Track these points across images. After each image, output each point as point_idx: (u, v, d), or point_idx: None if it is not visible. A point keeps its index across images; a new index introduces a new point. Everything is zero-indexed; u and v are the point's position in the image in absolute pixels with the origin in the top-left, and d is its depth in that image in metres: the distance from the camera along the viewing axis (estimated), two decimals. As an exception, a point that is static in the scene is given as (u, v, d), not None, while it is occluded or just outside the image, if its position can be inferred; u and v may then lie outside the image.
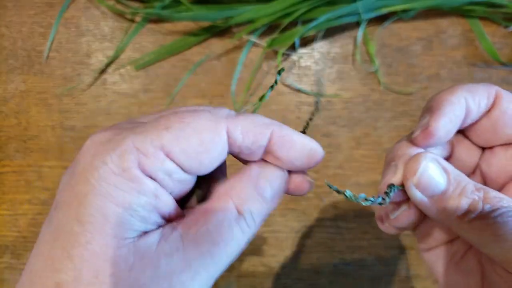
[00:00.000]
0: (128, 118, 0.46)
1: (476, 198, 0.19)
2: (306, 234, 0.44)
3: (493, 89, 0.22)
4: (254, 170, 0.20)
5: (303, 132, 0.22)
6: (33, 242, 0.45)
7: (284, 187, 0.21)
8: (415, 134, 0.22)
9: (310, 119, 0.25)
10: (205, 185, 0.22)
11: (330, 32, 0.46)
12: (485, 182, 0.24)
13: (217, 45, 0.47)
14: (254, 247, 0.44)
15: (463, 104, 0.21)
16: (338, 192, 0.20)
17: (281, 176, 0.20)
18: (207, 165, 0.19)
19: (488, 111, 0.22)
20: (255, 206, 0.19)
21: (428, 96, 0.43)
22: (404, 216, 0.22)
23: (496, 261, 0.20)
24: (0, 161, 0.46)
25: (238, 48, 0.47)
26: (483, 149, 0.24)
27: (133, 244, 0.17)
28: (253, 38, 0.45)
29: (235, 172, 0.20)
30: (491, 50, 0.45)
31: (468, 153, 0.24)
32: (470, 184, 0.20)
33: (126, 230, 0.17)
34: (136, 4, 0.48)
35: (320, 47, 0.47)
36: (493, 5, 0.44)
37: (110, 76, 0.47)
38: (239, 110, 0.45)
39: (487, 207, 0.19)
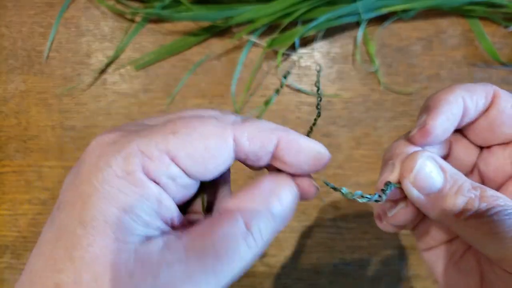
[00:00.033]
0: (128, 118, 0.46)
1: (473, 196, 0.19)
2: (306, 234, 0.44)
3: (491, 89, 0.22)
4: (265, 185, 0.20)
5: (308, 134, 0.22)
6: (33, 242, 0.45)
7: (295, 205, 0.20)
8: (412, 133, 0.22)
9: (314, 124, 0.25)
10: (207, 190, 0.22)
11: (330, 32, 0.46)
12: (483, 181, 0.24)
13: (217, 45, 0.47)
14: (254, 247, 0.44)
15: (460, 103, 0.21)
16: (335, 189, 0.20)
17: (293, 194, 0.20)
18: (212, 171, 0.19)
19: (486, 110, 0.22)
20: (264, 223, 0.19)
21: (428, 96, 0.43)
22: (401, 214, 0.22)
23: (492, 259, 0.20)
24: (0, 161, 0.46)
25: (238, 48, 0.47)
26: (481, 148, 0.24)
27: (135, 250, 0.17)
28: (253, 38, 0.45)
29: (236, 172, 0.20)
30: (491, 50, 0.45)
31: (466, 152, 0.24)
32: (466, 183, 0.20)
33: (128, 234, 0.17)
34: (136, 4, 0.48)
35: (320, 47, 0.47)
36: (493, 5, 0.44)
37: (110, 76, 0.47)
38: (239, 110, 0.45)
39: (483, 205, 0.19)
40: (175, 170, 0.18)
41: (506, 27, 0.45)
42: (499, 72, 0.45)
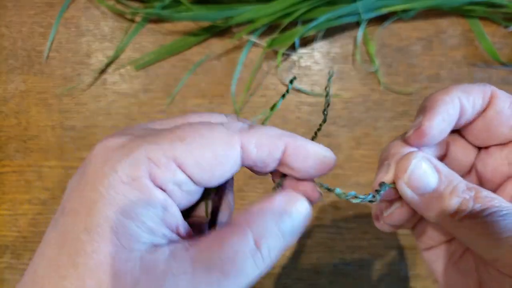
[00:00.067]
0: (128, 118, 0.46)
1: (467, 197, 0.19)
2: (306, 234, 0.44)
3: (489, 89, 0.22)
4: (277, 203, 0.19)
5: (312, 139, 0.22)
6: (33, 242, 0.45)
7: (306, 224, 0.20)
8: (408, 134, 0.22)
9: (319, 129, 0.25)
10: (210, 195, 0.22)
11: (330, 32, 0.46)
12: (480, 181, 0.24)
13: (217, 45, 0.47)
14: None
15: (457, 103, 0.21)
16: (329, 190, 0.20)
17: (305, 214, 0.20)
18: (218, 178, 0.19)
19: (483, 111, 0.22)
20: (274, 241, 0.18)
21: (428, 96, 0.43)
22: (397, 213, 0.22)
23: (487, 260, 0.20)
24: (0, 161, 0.46)
25: (238, 48, 0.47)
26: (479, 148, 0.24)
27: (140, 258, 0.17)
28: (253, 38, 0.45)
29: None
30: (491, 50, 0.45)
31: (463, 152, 0.24)
32: (461, 183, 0.20)
33: (134, 241, 0.17)
34: (136, 4, 0.48)
35: (320, 47, 0.47)
36: (493, 5, 0.44)
37: (110, 76, 0.47)
38: (239, 110, 0.45)
39: (478, 206, 0.19)
40: (181, 177, 0.18)
41: (506, 27, 0.45)
42: (499, 72, 0.45)
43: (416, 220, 0.23)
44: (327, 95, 0.24)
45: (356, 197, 0.20)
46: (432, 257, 0.24)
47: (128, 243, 0.17)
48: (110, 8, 0.48)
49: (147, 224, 0.17)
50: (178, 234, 0.19)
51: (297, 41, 0.45)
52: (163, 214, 0.18)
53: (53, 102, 0.47)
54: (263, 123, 0.23)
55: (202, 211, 0.23)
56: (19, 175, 0.46)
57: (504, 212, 0.19)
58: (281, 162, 0.20)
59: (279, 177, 0.22)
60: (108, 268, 0.17)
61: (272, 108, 0.23)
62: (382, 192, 0.21)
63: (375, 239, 0.43)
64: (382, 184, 0.21)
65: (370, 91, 0.46)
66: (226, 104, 0.46)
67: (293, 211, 0.19)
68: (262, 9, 0.44)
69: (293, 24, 0.45)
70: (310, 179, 0.21)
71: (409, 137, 0.22)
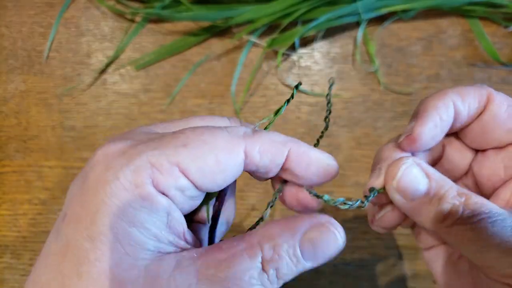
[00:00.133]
0: (128, 118, 0.46)
1: (457, 203, 0.19)
2: (306, 234, 0.44)
3: (485, 92, 0.22)
4: (301, 224, 0.18)
5: (315, 146, 0.22)
6: (33, 242, 0.45)
7: (336, 254, 0.19)
8: (400, 139, 0.22)
9: (321, 136, 0.24)
10: (213, 200, 0.22)
11: (330, 32, 0.46)
12: (477, 184, 0.24)
13: (217, 45, 0.47)
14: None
15: (451, 108, 0.21)
16: (317, 196, 0.20)
17: (334, 247, 0.18)
18: (221, 184, 0.19)
19: (480, 114, 0.22)
20: (284, 266, 0.18)
21: (428, 96, 0.43)
22: (388, 217, 0.22)
23: (477, 265, 0.20)
24: (0, 161, 0.46)
25: (238, 48, 0.47)
26: (477, 151, 0.24)
27: (145, 266, 0.17)
28: (253, 38, 0.45)
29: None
30: (491, 50, 0.45)
31: (459, 155, 0.24)
32: (452, 189, 0.20)
33: (139, 249, 0.17)
34: (136, 4, 0.48)
35: (320, 47, 0.47)
36: (493, 5, 0.44)
37: (110, 76, 0.47)
38: (239, 110, 0.45)
39: (467, 212, 0.19)
40: (184, 182, 0.18)
41: (506, 27, 0.45)
42: (499, 72, 0.45)
43: (412, 222, 0.24)
44: (328, 102, 0.24)
45: (344, 203, 0.20)
46: (432, 257, 0.24)
47: (133, 250, 0.17)
48: (110, 8, 0.48)
49: (151, 231, 0.17)
50: (185, 240, 0.19)
51: (297, 41, 0.45)
52: (167, 220, 0.18)
53: (53, 102, 0.47)
54: (266, 127, 0.23)
55: (203, 215, 0.22)
56: (19, 175, 0.46)
57: (493, 219, 0.19)
58: (283, 168, 0.20)
59: (280, 182, 0.22)
60: (112, 277, 0.16)
61: (276, 113, 0.23)
62: (370, 198, 0.21)
63: (375, 239, 0.43)
64: (371, 189, 0.21)
65: (370, 91, 0.46)
66: (226, 104, 0.46)
67: (319, 238, 0.18)
68: (262, 9, 0.44)
69: (293, 24, 0.45)
70: (309, 186, 0.21)
71: (401, 142, 0.22)
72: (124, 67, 0.47)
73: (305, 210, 0.21)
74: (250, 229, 0.21)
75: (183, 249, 0.18)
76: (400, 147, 0.22)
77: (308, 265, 0.18)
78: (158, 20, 0.47)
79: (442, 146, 0.24)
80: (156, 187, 0.17)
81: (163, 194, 0.18)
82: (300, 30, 0.44)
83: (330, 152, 0.21)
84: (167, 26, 0.47)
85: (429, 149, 0.23)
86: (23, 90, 0.47)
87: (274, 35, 0.45)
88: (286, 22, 0.44)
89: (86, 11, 0.48)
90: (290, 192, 0.21)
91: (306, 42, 0.47)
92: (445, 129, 0.22)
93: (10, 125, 0.47)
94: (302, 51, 0.47)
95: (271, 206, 0.22)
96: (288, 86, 0.46)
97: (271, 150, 0.19)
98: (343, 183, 0.44)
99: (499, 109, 0.21)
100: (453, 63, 0.46)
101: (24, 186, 0.46)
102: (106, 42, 0.48)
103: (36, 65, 0.48)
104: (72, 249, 0.17)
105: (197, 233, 0.22)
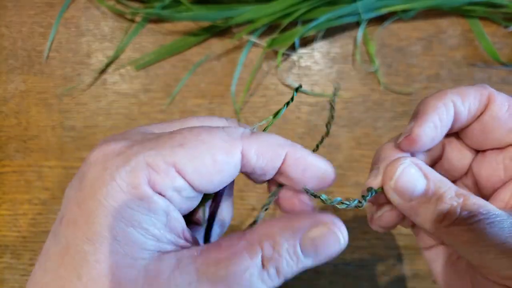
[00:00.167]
0: (128, 118, 0.46)
1: (455, 204, 0.19)
2: (306, 234, 0.44)
3: (486, 92, 0.22)
4: (302, 223, 0.18)
5: (314, 151, 0.21)
6: (33, 242, 0.45)
7: (338, 253, 0.19)
8: (399, 140, 0.22)
9: (321, 142, 0.24)
10: (210, 201, 0.22)
11: (330, 32, 0.46)
12: (476, 184, 0.24)
13: (217, 45, 0.47)
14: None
15: (451, 108, 0.21)
16: (314, 196, 0.20)
17: (336, 247, 0.18)
18: (217, 185, 0.19)
19: (480, 114, 0.22)
20: (284, 265, 0.18)
21: (428, 96, 0.43)
22: (386, 216, 0.22)
23: (474, 266, 0.20)
24: (0, 161, 0.46)
25: (238, 48, 0.47)
26: (477, 151, 0.24)
27: (145, 266, 0.17)
28: (253, 38, 0.45)
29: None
30: (491, 50, 0.45)
31: (459, 155, 0.24)
32: (450, 190, 0.20)
33: (138, 250, 0.17)
34: (136, 4, 0.48)
35: (320, 47, 0.47)
36: (493, 5, 0.44)
37: (110, 76, 0.47)
38: (239, 110, 0.45)
39: (465, 213, 0.19)
40: (181, 183, 0.18)
41: (506, 27, 0.45)
42: (499, 72, 0.45)
43: (411, 222, 0.24)
44: (331, 108, 0.24)
45: (342, 203, 0.20)
46: (432, 257, 0.24)
47: (132, 251, 0.17)
48: (110, 8, 0.48)
49: (150, 231, 0.17)
50: (185, 239, 0.19)
51: (297, 41, 0.45)
52: (166, 220, 0.18)
53: (53, 102, 0.47)
54: (264, 129, 0.22)
55: (200, 216, 0.22)
56: (19, 175, 0.46)
57: (491, 220, 0.19)
58: (279, 171, 0.20)
59: (276, 186, 0.21)
60: (111, 277, 0.16)
61: (275, 115, 0.23)
62: (368, 197, 0.21)
63: (375, 239, 0.43)
64: (369, 189, 0.21)
65: (370, 91, 0.46)
66: (226, 104, 0.46)
67: (320, 236, 0.18)
68: (262, 9, 0.44)
69: (293, 24, 0.45)
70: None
71: (400, 143, 0.22)
72: (124, 67, 0.47)
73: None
74: None
75: (182, 247, 0.18)
76: (399, 147, 0.22)
77: (309, 264, 0.18)
78: (158, 20, 0.47)
79: (442, 146, 0.24)
80: (152, 187, 0.17)
81: (160, 194, 0.18)
82: (300, 30, 0.44)
83: (330, 152, 0.21)
84: (167, 26, 0.47)
85: (429, 149, 0.23)
86: (23, 90, 0.47)
87: (274, 35, 0.45)
88: (286, 22, 0.44)
89: (86, 11, 0.48)
90: (286, 196, 0.21)
91: (306, 42, 0.47)
92: (445, 130, 0.22)
93: (10, 125, 0.47)
94: (302, 51, 0.47)
95: (266, 210, 0.21)
96: (288, 86, 0.46)
97: (268, 152, 0.19)
98: (343, 183, 0.44)
99: (500, 109, 0.21)
100: (453, 63, 0.46)
101: (24, 186, 0.46)
102: (106, 42, 0.48)
103: (36, 65, 0.48)
104: (71, 252, 0.17)
105: (194, 234, 0.22)
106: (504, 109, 0.21)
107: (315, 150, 0.23)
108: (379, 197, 0.21)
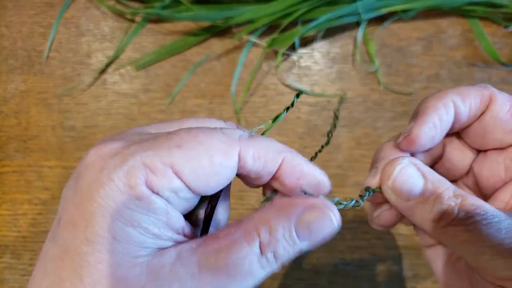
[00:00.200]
0: (128, 118, 0.46)
1: (452, 204, 0.19)
2: (306, 234, 0.44)
3: (488, 92, 0.22)
4: (296, 207, 0.18)
5: (311, 159, 0.21)
6: (33, 242, 0.45)
7: (331, 236, 0.19)
8: (398, 140, 0.22)
9: (320, 150, 0.24)
10: (205, 203, 0.22)
11: (330, 32, 0.46)
12: (477, 184, 0.24)
13: (217, 45, 0.47)
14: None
15: (451, 108, 0.21)
16: (312, 196, 0.20)
17: (328, 231, 0.18)
18: (214, 187, 0.19)
19: (481, 114, 0.22)
20: (281, 249, 0.18)
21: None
22: (385, 215, 0.22)
23: (472, 266, 0.20)
24: (0, 161, 0.46)
25: (238, 48, 0.47)
26: (478, 151, 0.24)
27: (147, 263, 0.17)
28: (253, 38, 0.45)
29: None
30: (491, 50, 0.45)
31: (460, 154, 0.24)
32: (448, 190, 0.20)
33: (139, 248, 0.17)
34: (136, 4, 0.48)
35: (320, 47, 0.47)
36: (493, 5, 0.44)
37: (110, 76, 0.47)
38: (239, 110, 0.45)
39: (462, 214, 0.19)
40: (178, 184, 0.18)
41: (506, 27, 0.45)
42: (499, 72, 0.45)
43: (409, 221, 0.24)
44: (336, 117, 0.24)
45: (340, 203, 0.20)
46: (433, 255, 0.24)
47: (133, 250, 0.17)
48: (110, 8, 0.48)
49: (151, 230, 0.17)
50: (184, 235, 0.19)
51: (297, 41, 0.45)
52: (167, 219, 0.18)
53: (53, 102, 0.47)
54: (263, 133, 0.22)
55: (196, 218, 0.22)
56: (19, 175, 0.46)
57: (488, 221, 0.19)
58: (274, 177, 0.20)
59: (270, 191, 0.21)
60: (115, 277, 0.16)
61: (275, 119, 0.22)
62: (365, 197, 0.21)
63: (375, 239, 0.43)
64: (367, 188, 0.21)
65: (370, 91, 0.46)
66: (226, 104, 0.46)
67: (314, 219, 0.18)
68: (262, 9, 0.44)
69: (293, 24, 0.45)
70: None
71: (399, 143, 0.22)
72: (124, 67, 0.47)
73: None
74: None
75: (182, 243, 0.18)
76: (398, 147, 0.22)
77: (304, 246, 0.18)
78: (158, 20, 0.47)
79: (443, 145, 0.24)
80: (150, 188, 0.17)
81: (158, 195, 0.18)
82: (300, 30, 0.44)
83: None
84: (167, 26, 0.47)
85: (429, 149, 0.23)
86: (23, 90, 0.47)
87: (274, 35, 0.45)
88: (286, 22, 0.44)
89: (86, 11, 0.48)
90: (280, 202, 0.21)
91: (306, 42, 0.47)
92: (445, 130, 0.22)
93: (10, 125, 0.47)
94: (302, 51, 0.47)
95: None
96: (288, 86, 0.46)
97: (265, 156, 0.19)
98: (343, 183, 0.44)
99: (501, 109, 0.21)
100: (453, 63, 0.46)
101: (24, 186, 0.46)
102: (106, 42, 0.48)
103: (36, 65, 0.48)
104: (71, 253, 0.17)
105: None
106: (506, 109, 0.21)
107: (314, 158, 0.23)
108: (378, 196, 0.22)
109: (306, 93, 0.46)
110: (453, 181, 0.25)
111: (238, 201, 0.44)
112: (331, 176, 0.20)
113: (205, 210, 0.22)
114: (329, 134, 0.24)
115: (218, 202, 0.22)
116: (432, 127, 0.21)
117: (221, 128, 0.19)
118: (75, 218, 0.17)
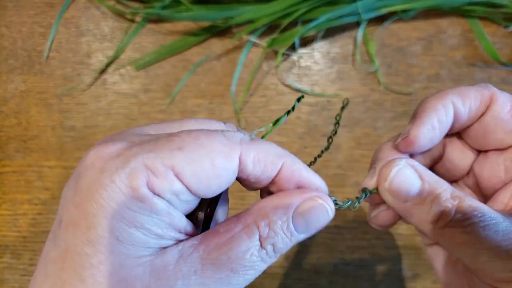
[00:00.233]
0: (128, 118, 0.46)
1: (449, 206, 0.19)
2: (306, 234, 0.44)
3: (488, 92, 0.21)
4: (292, 200, 0.19)
5: (310, 164, 0.21)
6: (33, 242, 0.45)
7: (326, 224, 0.19)
8: (397, 141, 0.22)
9: (320, 156, 0.24)
10: (205, 206, 0.22)
11: (330, 32, 0.46)
12: (478, 185, 0.24)
13: (217, 45, 0.47)
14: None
15: (450, 109, 0.21)
16: None
17: (323, 219, 0.19)
18: (215, 189, 0.19)
19: (482, 115, 0.22)
20: (280, 240, 0.18)
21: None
22: (383, 216, 0.22)
23: (469, 267, 0.20)
24: (0, 161, 0.46)
25: (238, 48, 0.47)
26: (479, 152, 0.24)
27: (150, 262, 0.17)
28: (253, 38, 0.45)
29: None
30: (491, 50, 0.45)
31: (461, 155, 0.24)
32: (446, 192, 0.20)
33: (141, 249, 0.17)
34: (136, 4, 0.48)
35: (320, 47, 0.47)
36: (493, 5, 0.44)
37: (110, 76, 0.47)
38: (239, 110, 0.45)
39: (459, 216, 0.19)
40: (179, 186, 0.18)
41: (506, 27, 0.45)
42: (499, 72, 0.45)
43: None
44: (337, 123, 0.24)
45: (336, 203, 0.20)
46: (434, 254, 0.24)
47: (135, 250, 0.17)
48: (110, 8, 0.48)
49: (153, 231, 0.17)
50: (186, 233, 0.19)
51: (297, 41, 0.45)
52: (169, 220, 0.18)
53: (53, 102, 0.47)
54: (263, 137, 0.22)
55: (195, 221, 0.22)
56: (19, 175, 0.46)
57: (485, 223, 0.19)
58: (273, 181, 0.20)
59: (268, 194, 0.21)
60: (118, 278, 0.16)
61: (275, 123, 0.22)
62: (362, 199, 0.21)
63: (375, 239, 0.43)
64: (364, 189, 0.21)
65: (370, 91, 0.46)
66: (226, 104, 0.46)
67: (310, 210, 0.19)
68: (262, 9, 0.44)
69: (293, 24, 0.45)
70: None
71: (398, 144, 0.22)
72: (124, 67, 0.47)
73: None
74: None
75: (183, 240, 0.19)
76: (397, 148, 0.22)
77: (301, 237, 0.19)
78: (158, 20, 0.47)
79: (443, 145, 0.24)
80: (151, 190, 0.17)
81: (159, 196, 0.18)
82: (300, 30, 0.44)
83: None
84: (167, 26, 0.47)
85: (429, 149, 0.23)
86: (23, 90, 0.47)
87: (274, 35, 0.45)
88: (286, 22, 0.44)
89: (86, 11, 0.48)
90: None
91: (306, 42, 0.47)
92: (444, 130, 0.22)
93: (10, 125, 0.47)
94: (302, 51, 0.47)
95: None
96: (288, 86, 0.46)
97: (265, 161, 0.19)
98: (343, 183, 0.44)
99: (502, 110, 0.21)
100: (453, 63, 0.46)
101: (24, 186, 0.46)
102: (106, 42, 0.48)
103: (36, 65, 0.48)
104: (72, 255, 0.17)
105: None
106: (506, 109, 0.21)
107: (313, 163, 0.23)
108: (375, 197, 0.22)
109: (306, 93, 0.46)
110: (454, 181, 0.25)
111: (238, 201, 0.44)
112: (331, 176, 0.20)
113: (205, 212, 0.22)
114: (329, 140, 0.24)
115: (217, 205, 0.22)
116: (431, 129, 0.21)
117: (222, 131, 0.19)
118: (76, 219, 0.17)
